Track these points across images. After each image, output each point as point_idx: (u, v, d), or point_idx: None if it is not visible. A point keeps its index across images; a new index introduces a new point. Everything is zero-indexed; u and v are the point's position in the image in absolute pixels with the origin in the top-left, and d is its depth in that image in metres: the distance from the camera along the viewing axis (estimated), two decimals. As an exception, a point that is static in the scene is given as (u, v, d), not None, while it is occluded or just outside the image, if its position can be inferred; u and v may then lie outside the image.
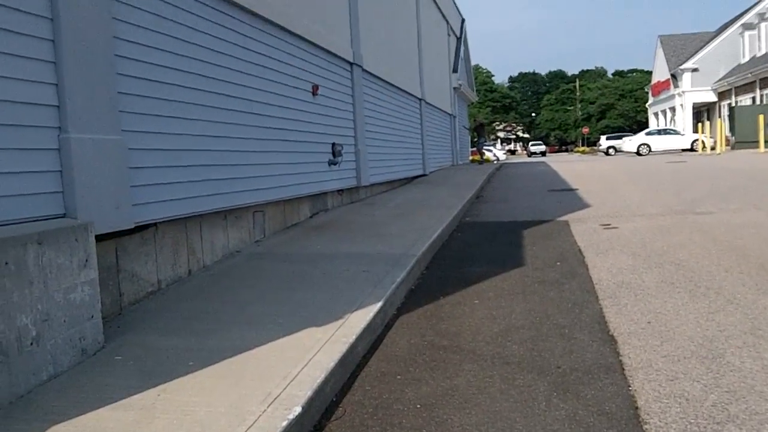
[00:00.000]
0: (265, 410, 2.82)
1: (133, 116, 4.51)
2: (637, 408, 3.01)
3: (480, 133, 27.16)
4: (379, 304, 4.41)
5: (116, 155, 4.22)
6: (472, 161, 27.93)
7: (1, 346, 2.94)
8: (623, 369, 3.48)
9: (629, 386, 3.26)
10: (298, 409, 2.82)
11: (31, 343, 3.14)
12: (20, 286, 3.09)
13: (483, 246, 7.36)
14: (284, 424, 2.69)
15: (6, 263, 3.00)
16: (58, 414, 2.84)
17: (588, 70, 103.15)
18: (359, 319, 4.09)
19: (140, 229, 4.64)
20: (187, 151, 5.19)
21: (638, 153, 35.58)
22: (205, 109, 5.47)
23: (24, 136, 3.55)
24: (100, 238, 3.98)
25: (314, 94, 8.20)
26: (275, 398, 2.93)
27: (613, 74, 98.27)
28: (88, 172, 3.93)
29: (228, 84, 5.89)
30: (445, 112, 21.77)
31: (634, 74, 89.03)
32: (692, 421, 2.84)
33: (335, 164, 8.87)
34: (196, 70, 5.35)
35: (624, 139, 40.86)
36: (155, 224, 4.88)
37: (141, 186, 4.54)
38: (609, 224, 8.03)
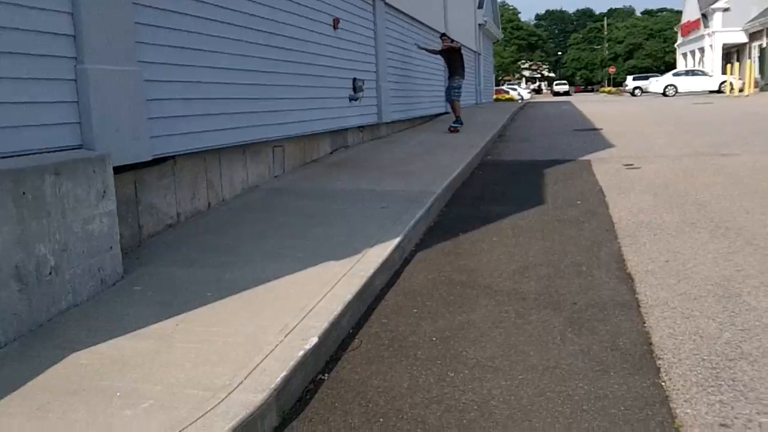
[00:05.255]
0: (282, 340, 2.85)
1: (149, 47, 4.44)
2: (650, 344, 3.01)
3: (451, 62, 12.66)
4: (397, 240, 4.40)
5: (133, 87, 4.19)
6: (496, 100, 26.66)
7: (20, 275, 2.98)
8: (639, 306, 3.47)
9: (644, 323, 3.25)
10: (314, 340, 2.85)
11: (50, 273, 3.18)
12: (38, 215, 3.11)
13: (503, 185, 7.30)
14: (300, 354, 2.73)
15: (23, 193, 3.01)
16: (77, 342, 2.90)
17: (616, 9, 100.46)
18: (377, 254, 4.09)
19: (159, 162, 4.64)
20: (205, 84, 5.13)
21: (665, 94, 34.78)
22: (223, 41, 5.39)
23: (40, 66, 3.52)
24: (118, 171, 3.98)
25: (335, 27, 8.04)
26: (292, 329, 2.97)
27: (642, 13, 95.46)
28: (104, 104, 3.91)
29: (246, 15, 5.77)
30: (469, 49, 21.31)
31: (664, 13, 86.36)
32: (705, 357, 2.83)
33: (356, 100, 8.76)
34: (214, 1, 5.24)
35: (651, 79, 39.89)
36: (174, 158, 4.87)
37: (159, 118, 4.51)
38: (632, 164, 7.91)
